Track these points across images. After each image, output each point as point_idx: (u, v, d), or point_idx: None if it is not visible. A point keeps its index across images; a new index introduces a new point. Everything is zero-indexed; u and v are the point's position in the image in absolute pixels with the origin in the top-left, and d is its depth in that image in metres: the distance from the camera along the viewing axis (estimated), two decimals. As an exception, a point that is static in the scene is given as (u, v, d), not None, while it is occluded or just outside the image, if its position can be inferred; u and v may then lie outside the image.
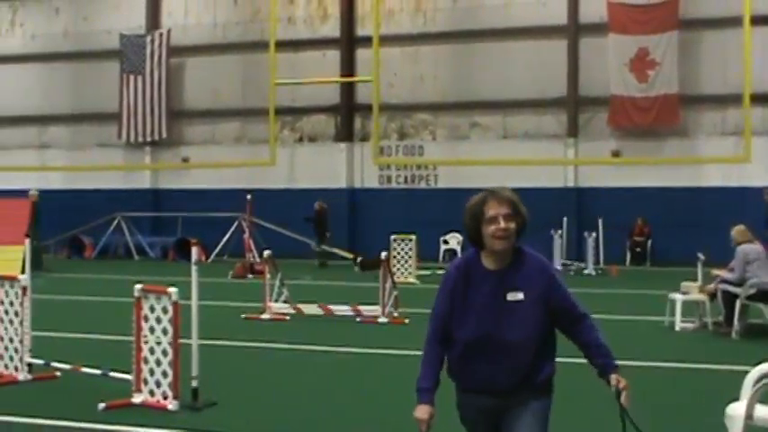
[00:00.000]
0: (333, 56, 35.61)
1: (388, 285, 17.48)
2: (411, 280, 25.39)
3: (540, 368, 5.37)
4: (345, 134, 35.49)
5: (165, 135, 36.91)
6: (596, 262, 29.50)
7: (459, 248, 33.23)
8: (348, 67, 35.16)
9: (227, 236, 33.05)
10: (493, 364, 5.32)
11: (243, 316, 17.96)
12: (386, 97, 32.88)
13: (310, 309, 17.96)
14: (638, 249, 32.21)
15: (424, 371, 5.51)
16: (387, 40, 32.64)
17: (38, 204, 30.40)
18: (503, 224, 5.33)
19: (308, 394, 11.20)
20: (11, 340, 11.70)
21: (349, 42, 35.41)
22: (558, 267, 29.71)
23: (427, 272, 26.90)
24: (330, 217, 32.67)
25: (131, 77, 37.20)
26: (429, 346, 5.59)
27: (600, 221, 30.34)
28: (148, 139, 37.14)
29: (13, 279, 11.84)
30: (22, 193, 31.63)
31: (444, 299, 5.57)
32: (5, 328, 11.74)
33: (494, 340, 5.29)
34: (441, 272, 26.82)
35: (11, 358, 11.71)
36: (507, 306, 5.29)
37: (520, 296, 5.30)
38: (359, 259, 29.05)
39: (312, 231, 32.38)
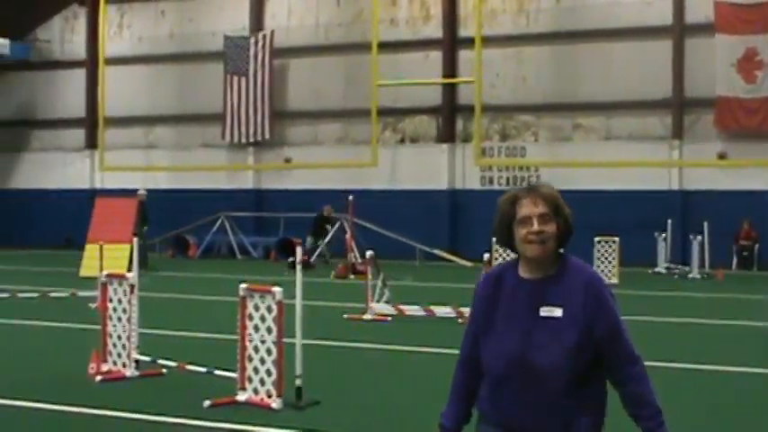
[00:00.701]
0: (435, 57, 35.59)
1: (490, 287, 17.34)
2: (512, 282, 25.18)
3: (574, 416, 4.33)
4: (447, 135, 35.43)
5: (267, 136, 37.24)
6: (701, 266, 28.99)
7: (560, 250, 32.93)
8: (450, 68, 35.10)
9: (329, 236, 33.19)
10: (516, 393, 4.35)
11: (345, 316, 18.03)
12: (488, 98, 32.72)
13: (412, 309, 17.95)
14: (746, 253, 31.60)
15: (449, 403, 4.74)
16: (489, 40, 32.50)
17: (146, 204, 31.02)
18: (536, 226, 4.42)
19: (409, 395, 11.19)
20: (119, 337, 11.89)
21: (451, 43, 35.34)
22: (662, 271, 29.34)
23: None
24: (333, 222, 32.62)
25: (235, 79, 37.62)
26: (456, 371, 4.80)
27: (705, 225, 29.80)
28: (252, 139, 37.52)
29: (121, 277, 12.04)
30: (130, 193, 32.29)
31: (474, 312, 4.69)
32: (114, 326, 11.94)
33: (520, 363, 4.33)
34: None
35: (119, 355, 11.90)
36: (540, 322, 4.33)
37: (557, 312, 4.32)
38: (290, 259, 28.71)
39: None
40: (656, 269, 29.57)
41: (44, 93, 42.86)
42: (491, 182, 34.85)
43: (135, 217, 28.31)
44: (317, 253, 31.79)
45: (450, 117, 35.46)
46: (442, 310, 17.77)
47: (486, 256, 17.62)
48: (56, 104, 42.49)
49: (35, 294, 21.38)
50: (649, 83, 32.80)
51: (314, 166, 36.07)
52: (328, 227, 32.40)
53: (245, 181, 38.39)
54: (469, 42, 32.20)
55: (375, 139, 30.29)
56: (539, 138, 34.42)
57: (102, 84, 33.49)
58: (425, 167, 35.46)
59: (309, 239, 31.67)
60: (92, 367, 11.91)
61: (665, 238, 29.93)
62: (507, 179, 34.63)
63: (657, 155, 32.40)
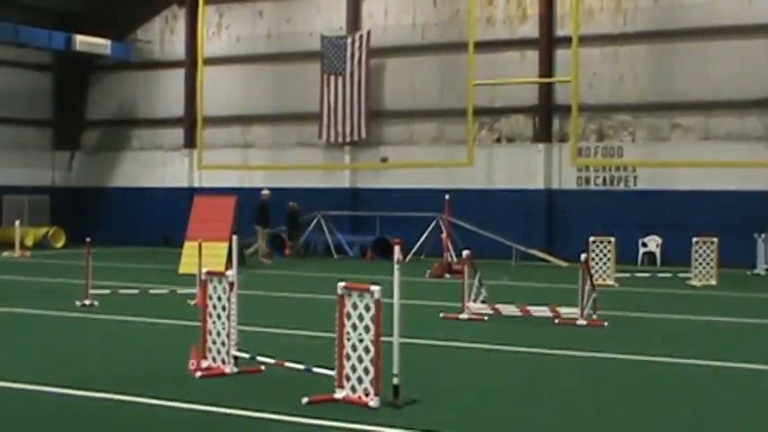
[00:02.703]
0: (531, 56, 35.38)
1: (587, 287, 17.24)
2: (610, 282, 24.97)
3: None
4: (544, 135, 35.19)
5: (364, 135, 37.36)
6: (803, 267, 28.42)
7: (658, 251, 32.57)
8: (547, 67, 34.86)
9: (425, 235, 33.23)
10: None
11: (441, 315, 18.02)
12: (585, 98, 32.45)
13: (508, 309, 17.87)
14: None
15: None
16: (586, 39, 32.22)
17: (268, 203, 31.57)
18: None
19: (506, 394, 11.15)
20: (218, 334, 12.02)
21: (548, 43, 35.10)
22: (761, 272, 28.82)
23: (626, 274, 26.43)
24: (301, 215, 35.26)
25: (332, 78, 37.80)
26: None
27: (808, 226, 29.17)
28: (348, 139, 37.66)
29: (220, 275, 12.17)
30: (227, 191, 32.69)
31: None
32: (213, 322, 12.07)
33: None
34: (640, 275, 26.41)
35: (218, 351, 12.03)
36: None
37: None
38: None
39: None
40: (755, 271, 29.04)
41: (144, 93, 43.56)
42: (587, 182, 34.53)
43: (233, 216, 28.61)
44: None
45: (546, 117, 35.22)
46: (539, 311, 17.68)
47: (583, 256, 17.49)
48: (155, 104, 43.16)
49: (136, 291, 21.73)
50: (748, 82, 32.23)
51: (410, 165, 36.12)
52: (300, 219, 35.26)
53: (342, 180, 38.57)
54: (566, 41, 31.97)
55: (471, 138, 30.20)
56: (636, 138, 34.00)
57: (200, 84, 33.92)
58: (522, 167, 35.28)
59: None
60: (192, 363, 12.06)
61: (764, 240, 29.37)
62: (604, 179, 34.28)
63: (757, 155, 31.76)
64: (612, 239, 25.81)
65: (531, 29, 35.53)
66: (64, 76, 44.33)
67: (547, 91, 35.00)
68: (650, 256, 32.71)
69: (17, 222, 36.52)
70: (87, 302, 19.34)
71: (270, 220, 32.98)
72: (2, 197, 41.91)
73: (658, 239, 32.65)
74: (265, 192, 33.46)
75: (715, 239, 25.96)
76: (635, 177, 33.75)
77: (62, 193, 44.29)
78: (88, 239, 20.42)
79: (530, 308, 17.79)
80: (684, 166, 31.67)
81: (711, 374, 12.82)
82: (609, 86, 34.29)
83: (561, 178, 34.92)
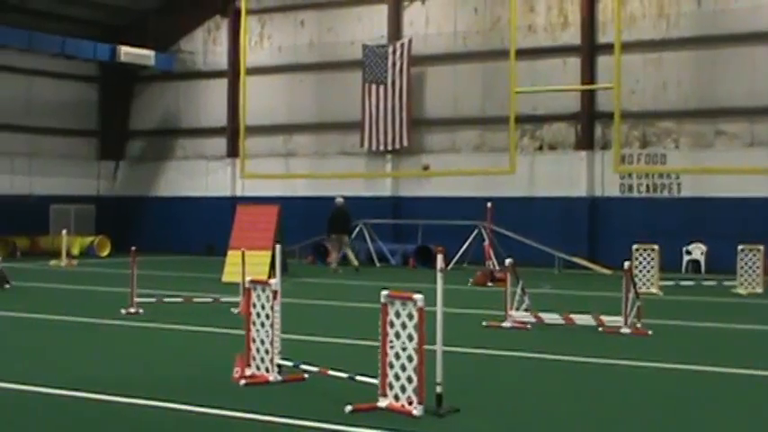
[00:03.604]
0: (573, 63, 35.29)
1: (631, 296, 17.17)
2: (653, 291, 24.84)
3: None
4: (586, 142, 35.07)
5: (405, 143, 37.40)
6: None
7: (702, 259, 32.36)
8: (589, 74, 34.75)
9: (467, 243, 33.20)
10: None
11: (484, 323, 18.01)
12: (627, 105, 32.35)
13: (551, 318, 17.83)
14: None
15: None
16: (628, 46, 32.12)
17: (346, 210, 31.74)
18: None
19: (549, 403, 11.12)
20: (262, 342, 12.09)
21: (590, 49, 34.99)
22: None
23: (670, 283, 26.27)
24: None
25: (373, 87, 37.88)
26: None
27: None
28: (390, 147, 37.72)
29: (264, 283, 12.24)
30: (270, 200, 32.84)
31: None
32: (257, 331, 12.14)
33: None
34: (684, 283, 26.25)
35: (262, 359, 12.09)
36: None
37: None
38: None
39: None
40: (802, 279, 28.80)
41: (187, 102, 43.88)
42: (630, 189, 34.36)
43: (276, 225, 28.73)
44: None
45: (588, 124, 35.10)
46: (582, 319, 17.63)
47: (627, 264, 17.42)
48: (198, 114, 43.46)
49: (180, 299, 21.88)
50: (795, 88, 32.00)
51: (452, 173, 36.12)
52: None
53: (384, 188, 38.62)
54: (608, 48, 31.85)
55: (513, 146, 30.19)
56: (680, 144, 33.79)
57: (243, 93, 34.11)
58: (564, 175, 35.18)
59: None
60: (236, 371, 12.14)
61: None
62: (647, 186, 34.10)
63: (803, 162, 31.49)
64: (656, 247, 25.66)
65: (572, 36, 35.45)
66: (109, 86, 44.79)
67: (589, 98, 34.90)
68: (695, 264, 32.50)
69: (64, 231, 36.91)
70: (132, 311, 19.50)
71: (349, 226, 33.11)
72: (49, 206, 42.34)
73: (703, 247, 32.45)
74: (339, 199, 33.52)
75: (761, 247, 25.75)
76: (679, 184, 33.54)
77: (107, 203, 44.70)
78: (133, 248, 20.61)
79: (573, 316, 17.74)
80: (729, 172, 31.47)
81: (758, 384, 12.73)
82: (652, 93, 34.13)
83: (604, 185, 34.78)
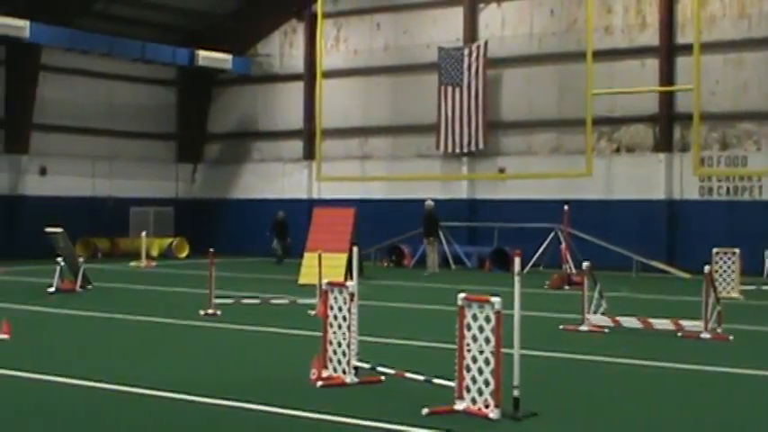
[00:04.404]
0: (651, 64, 34.96)
1: (711, 300, 16.95)
2: (734, 295, 24.52)
3: None
4: (664, 144, 34.71)
5: (481, 146, 37.32)
6: None
7: (784, 263, 31.87)
8: (667, 75, 34.39)
9: (543, 246, 33.03)
10: None
11: (560, 327, 17.92)
12: (707, 106, 31.95)
13: (629, 321, 17.67)
14: None
15: None
16: (708, 47, 31.69)
17: (435, 212, 31.92)
18: None
19: (626, 408, 11.04)
20: (339, 344, 12.15)
21: (668, 50, 34.63)
22: None
23: (752, 287, 25.91)
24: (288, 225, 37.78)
25: (449, 89, 37.85)
26: None
27: None
28: (465, 149, 37.66)
29: (341, 286, 12.30)
30: (345, 203, 33.00)
31: None
32: (334, 333, 12.21)
33: None
34: (766, 288, 25.86)
35: (339, 361, 12.16)
36: None
37: None
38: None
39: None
40: None
41: (264, 106, 44.23)
42: (710, 192, 33.94)
43: (352, 227, 28.83)
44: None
45: (667, 126, 34.74)
46: (661, 323, 17.45)
47: (707, 268, 17.21)
48: (275, 117, 43.78)
49: (257, 301, 22.07)
50: None
51: (527, 176, 35.96)
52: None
53: (459, 191, 38.56)
54: (687, 49, 31.40)
55: (590, 148, 29.92)
56: (761, 146, 33.30)
57: (319, 96, 34.24)
58: (642, 177, 34.85)
59: (275, 243, 37.66)
60: (313, 373, 12.22)
61: None
62: (727, 189, 33.66)
63: None
64: (737, 251, 25.32)
65: (650, 37, 35.12)
66: (187, 90, 45.29)
67: (667, 99, 34.54)
68: (776, 267, 32.02)
69: (143, 233, 37.43)
70: (210, 312, 19.69)
71: (436, 228, 33.25)
72: (129, 209, 42.93)
73: (785, 251, 31.96)
74: (429, 202, 33.62)
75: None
76: (760, 187, 33.04)
77: (185, 205, 45.20)
78: (211, 250, 20.84)
79: (651, 320, 17.57)
80: (811, 175, 31.01)
81: (840, 389, 12.53)
82: (732, 94, 33.66)
83: (683, 188, 34.39)
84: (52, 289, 24.22)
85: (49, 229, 25.97)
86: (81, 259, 25.99)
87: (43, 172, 40.03)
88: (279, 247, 37.64)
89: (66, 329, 18.06)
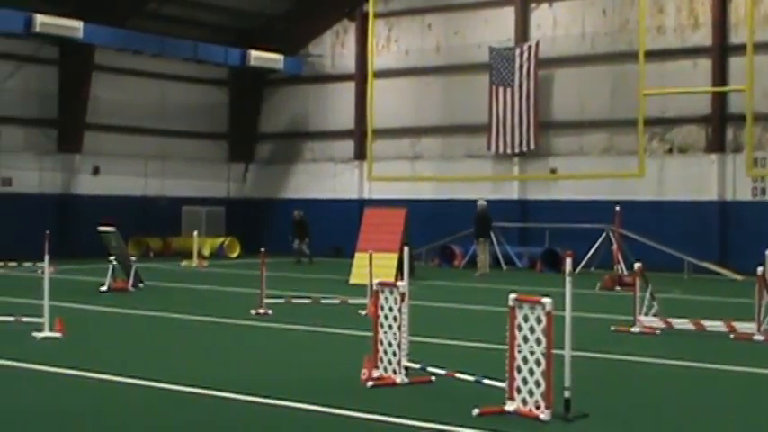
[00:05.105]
0: (704, 65, 34.67)
1: (764, 302, 16.80)
2: (787, 297, 24.26)
3: None
4: (717, 145, 34.43)
5: (533, 146, 37.21)
6: None
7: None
8: (720, 76, 34.10)
9: (595, 247, 32.87)
10: None
11: (612, 328, 17.85)
12: (760, 107, 31.56)
13: (681, 323, 17.56)
14: None
15: None
16: (762, 47, 31.34)
17: (488, 213, 31.93)
18: None
19: (678, 411, 10.99)
20: (389, 344, 12.18)
21: (721, 50, 34.35)
22: None
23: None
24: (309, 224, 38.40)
25: (500, 90, 37.78)
26: None
27: None
28: (517, 150, 37.58)
29: (392, 286, 12.33)
30: (396, 203, 33.04)
31: None
32: (385, 332, 12.24)
33: None
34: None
35: (389, 362, 12.19)
36: None
37: None
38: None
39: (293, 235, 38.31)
40: None
41: (315, 106, 44.36)
42: (763, 193, 33.63)
43: (404, 227, 28.87)
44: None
45: (719, 126, 34.45)
46: (713, 325, 17.32)
47: (760, 269, 17.05)
48: (326, 117, 43.90)
49: (308, 300, 22.16)
50: None
51: (579, 176, 35.80)
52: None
53: (510, 191, 38.48)
54: (740, 49, 31.18)
55: (642, 149, 29.71)
56: (815, 147, 32.96)
57: (370, 96, 34.28)
58: (694, 178, 34.60)
59: (296, 242, 38.05)
60: (364, 373, 12.26)
61: None
62: (781, 190, 33.36)
63: None
64: (791, 252, 25.03)
65: (703, 37, 34.85)
66: (239, 90, 45.54)
67: (720, 100, 34.25)
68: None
69: (195, 233, 37.68)
70: (262, 311, 19.81)
71: (489, 229, 33.21)
72: (181, 208, 43.25)
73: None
74: (482, 202, 33.62)
75: None
76: (814, 188, 32.73)
77: (237, 205, 45.44)
78: (263, 249, 20.94)
79: (703, 322, 17.45)
80: None
81: None
82: (786, 94, 33.31)
83: (735, 189, 34.10)
84: (104, 288, 24.47)
85: (101, 229, 26.20)
86: (133, 258, 26.24)
87: (96, 171, 40.42)
88: (301, 248, 37.86)
89: (118, 328, 18.25)
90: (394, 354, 12.13)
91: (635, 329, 17.53)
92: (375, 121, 35.08)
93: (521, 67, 37.28)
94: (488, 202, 34.27)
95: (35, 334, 15.90)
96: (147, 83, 42.35)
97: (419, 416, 10.21)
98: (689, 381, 13.07)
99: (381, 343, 12.30)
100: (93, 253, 31.98)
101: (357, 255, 27.93)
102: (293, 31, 43.92)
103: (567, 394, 10.19)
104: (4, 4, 34.06)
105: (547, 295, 10.28)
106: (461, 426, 9.82)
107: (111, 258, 25.14)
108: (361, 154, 41.27)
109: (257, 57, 41.46)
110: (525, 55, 37.28)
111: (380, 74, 38.08)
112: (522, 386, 10.33)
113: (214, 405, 10.98)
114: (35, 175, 38.72)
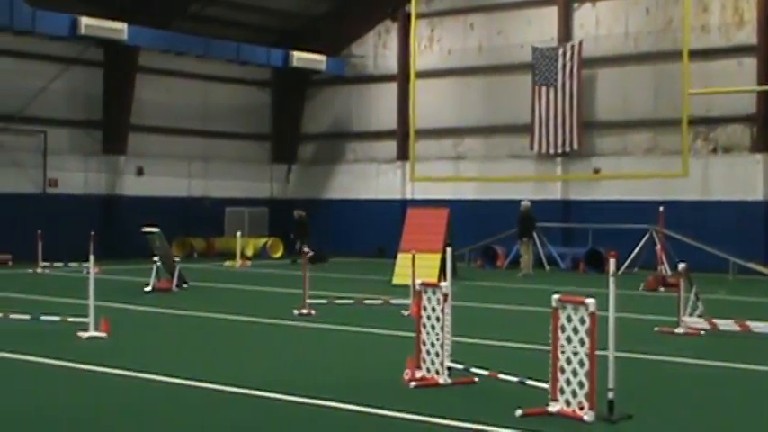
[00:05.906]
0: (749, 64, 34.37)
1: (810, 303, 16.67)
2: (832, 298, 24.08)
3: None
4: (762, 145, 34.10)
5: (576, 146, 37.07)
6: None
7: None
8: (766, 75, 33.73)
9: (638, 248, 32.68)
10: None
11: (656, 329, 17.75)
12: (807, 106, 31.37)
13: (726, 324, 17.43)
14: None
15: None
16: (809, 45, 31.13)
17: (532, 213, 32.08)
18: None
19: (723, 412, 10.93)
20: (432, 345, 12.19)
21: (766, 49, 34.01)
22: None
23: None
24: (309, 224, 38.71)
25: (543, 90, 37.66)
26: None
27: None
28: (560, 150, 37.45)
29: (435, 286, 12.34)
30: (439, 203, 33.03)
31: None
32: (428, 333, 12.25)
33: None
34: None
35: (432, 362, 12.20)
36: None
37: None
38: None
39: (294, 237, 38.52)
40: None
41: (358, 106, 44.44)
42: (810, 193, 33.33)
43: (446, 227, 28.85)
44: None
45: (765, 126, 34.11)
46: (758, 326, 17.17)
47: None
48: (369, 117, 43.96)
49: (351, 301, 22.21)
50: None
51: (623, 176, 35.60)
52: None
53: (554, 192, 38.34)
54: (787, 48, 30.97)
55: (686, 149, 29.53)
56: None
57: (413, 97, 34.27)
58: (739, 178, 34.31)
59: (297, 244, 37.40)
60: (407, 373, 12.27)
61: None
62: (827, 190, 33.02)
63: None
64: (837, 253, 24.83)
65: (748, 35, 34.55)
66: (281, 91, 45.67)
67: (765, 99, 33.92)
68: None
69: (238, 233, 37.83)
70: (305, 311, 19.87)
71: (532, 229, 33.14)
72: (224, 209, 43.45)
73: None
74: (525, 202, 33.56)
75: None
76: None
77: (280, 205, 45.56)
78: (306, 250, 21.00)
79: (749, 323, 17.30)
80: None
81: None
82: (832, 94, 33.00)
83: (781, 189, 33.83)
84: (149, 288, 24.65)
85: (145, 229, 26.39)
86: (177, 259, 26.41)
87: (140, 172, 40.70)
88: (301, 248, 37.33)
89: (162, 328, 18.40)
90: (437, 354, 12.14)
91: (679, 330, 17.42)
92: (417, 121, 35.06)
93: (564, 66, 37.16)
94: (531, 202, 34.18)
95: (80, 333, 16.06)
96: (191, 84, 42.58)
97: (462, 416, 10.21)
98: (733, 382, 12.98)
99: (424, 343, 12.31)
100: (137, 253, 32.25)
101: (400, 255, 27.95)
102: (336, 32, 44.01)
103: (610, 395, 10.16)
104: (49, 6, 34.39)
105: (590, 296, 10.25)
106: (504, 427, 9.82)
107: (155, 259, 25.32)
108: (403, 154, 41.26)
109: (300, 58, 41.60)
110: (568, 55, 37.15)
111: (423, 74, 38.05)
112: (565, 387, 10.31)
113: (257, 405, 11.04)
114: (80, 177, 39.04)
